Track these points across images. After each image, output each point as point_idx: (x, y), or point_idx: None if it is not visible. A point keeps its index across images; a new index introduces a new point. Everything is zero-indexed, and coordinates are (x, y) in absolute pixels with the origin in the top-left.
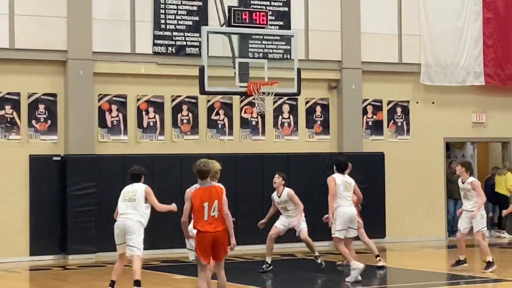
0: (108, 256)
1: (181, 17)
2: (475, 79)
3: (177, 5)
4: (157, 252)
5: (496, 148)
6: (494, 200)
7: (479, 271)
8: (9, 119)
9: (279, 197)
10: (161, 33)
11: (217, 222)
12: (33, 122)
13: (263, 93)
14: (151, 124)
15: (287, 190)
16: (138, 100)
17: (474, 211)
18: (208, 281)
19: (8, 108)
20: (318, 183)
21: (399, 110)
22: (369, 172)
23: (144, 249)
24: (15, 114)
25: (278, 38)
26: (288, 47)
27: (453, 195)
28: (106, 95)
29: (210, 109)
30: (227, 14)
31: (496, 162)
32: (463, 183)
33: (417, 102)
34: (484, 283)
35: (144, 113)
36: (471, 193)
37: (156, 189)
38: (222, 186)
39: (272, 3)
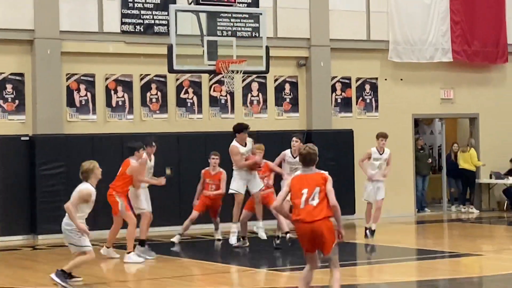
0: None
1: None
2: (443, 56)
3: None
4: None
5: (464, 124)
6: (457, 175)
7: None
8: None
9: (294, 157)
10: (129, 11)
11: (314, 212)
12: (1, 102)
13: (232, 71)
14: (120, 103)
15: None
16: (107, 79)
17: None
18: (307, 281)
19: None
20: None
21: (367, 87)
22: (338, 149)
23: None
24: None
25: (246, 16)
26: (257, 25)
27: (421, 172)
28: (74, 74)
29: (179, 88)
30: None
31: (464, 138)
32: (381, 154)
33: (386, 79)
34: (452, 257)
35: (112, 92)
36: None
37: None
38: (327, 174)
39: None
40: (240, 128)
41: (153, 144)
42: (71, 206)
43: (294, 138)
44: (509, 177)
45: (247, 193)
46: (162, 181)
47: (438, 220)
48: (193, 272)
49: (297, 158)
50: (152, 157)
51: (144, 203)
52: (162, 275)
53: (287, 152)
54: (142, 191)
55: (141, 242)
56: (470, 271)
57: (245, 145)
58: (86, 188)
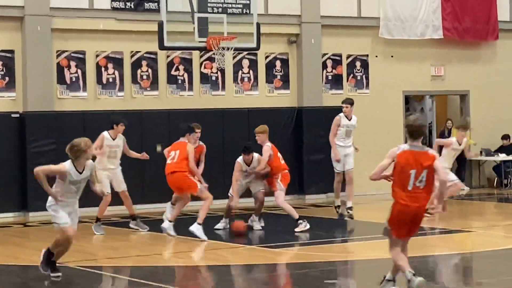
0: None
1: None
2: (433, 33)
3: None
4: (117, 208)
5: (455, 101)
6: None
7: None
8: None
9: (349, 120)
10: None
11: (421, 195)
12: None
13: (223, 48)
14: (111, 80)
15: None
16: (97, 56)
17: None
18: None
19: None
20: (278, 137)
21: (358, 64)
22: (329, 126)
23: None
24: None
25: None
26: (247, 1)
27: None
28: (64, 51)
29: (170, 65)
30: None
31: (455, 115)
32: (460, 145)
33: (376, 56)
34: (443, 233)
35: (103, 69)
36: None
37: None
38: (434, 153)
39: None
40: (245, 150)
41: (122, 123)
42: (40, 171)
43: (344, 105)
44: (499, 154)
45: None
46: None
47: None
48: (183, 249)
49: (352, 121)
50: (120, 136)
51: (109, 187)
52: (153, 252)
53: (341, 115)
54: (111, 173)
55: (98, 219)
56: (461, 247)
57: (250, 163)
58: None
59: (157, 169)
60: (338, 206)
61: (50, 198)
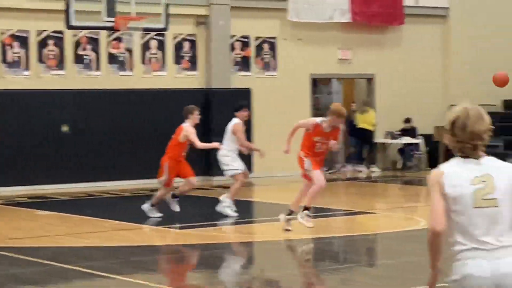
0: None
1: None
2: (341, 16)
3: None
4: (24, 189)
5: (361, 84)
6: (357, 135)
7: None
8: None
9: None
10: None
11: None
12: None
13: (131, 28)
14: (16, 59)
15: None
16: (2, 34)
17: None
18: None
19: None
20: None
21: (266, 46)
22: None
23: (11, 185)
24: None
25: None
26: None
27: None
28: None
29: (77, 44)
30: None
31: (362, 98)
32: None
33: (285, 39)
34: (347, 215)
35: (8, 48)
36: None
37: (22, 125)
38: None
39: None
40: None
41: None
42: None
43: None
44: (404, 137)
45: None
46: None
47: (334, 179)
48: (88, 230)
49: None
50: None
51: None
52: (57, 233)
53: None
54: None
55: None
56: (364, 229)
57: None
58: None
59: (62, 148)
60: None
61: None
